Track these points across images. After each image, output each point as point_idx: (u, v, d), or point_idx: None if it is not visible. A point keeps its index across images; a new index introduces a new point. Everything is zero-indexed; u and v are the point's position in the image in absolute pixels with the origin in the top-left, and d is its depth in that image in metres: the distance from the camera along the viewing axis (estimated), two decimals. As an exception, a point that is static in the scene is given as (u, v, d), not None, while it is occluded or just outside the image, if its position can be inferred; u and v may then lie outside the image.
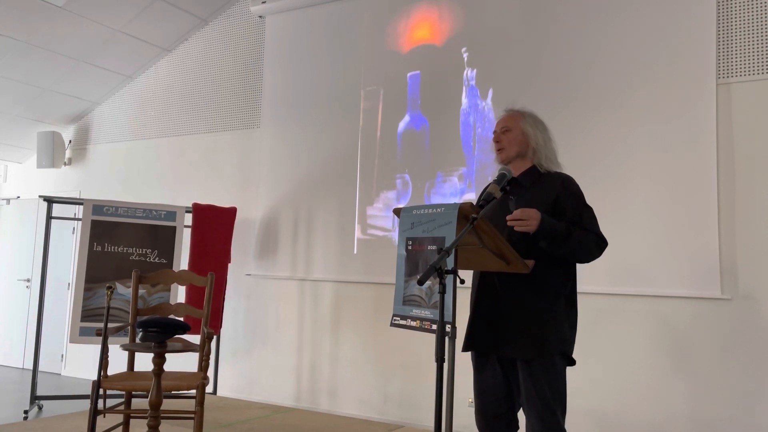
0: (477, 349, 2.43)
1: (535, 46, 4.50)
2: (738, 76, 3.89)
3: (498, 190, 2.30)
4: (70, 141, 6.97)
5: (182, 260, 5.19)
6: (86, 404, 5.08)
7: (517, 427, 2.43)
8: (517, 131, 2.48)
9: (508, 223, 2.23)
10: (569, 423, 4.07)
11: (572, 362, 2.37)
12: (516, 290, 2.34)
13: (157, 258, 5.02)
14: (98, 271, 4.87)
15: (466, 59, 4.78)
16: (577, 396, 4.09)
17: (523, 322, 2.31)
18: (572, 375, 4.08)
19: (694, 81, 3.96)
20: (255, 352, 5.50)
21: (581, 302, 4.10)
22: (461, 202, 2.35)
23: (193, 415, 3.26)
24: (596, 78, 4.26)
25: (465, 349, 2.45)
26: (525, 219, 2.20)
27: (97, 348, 5.90)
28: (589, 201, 2.43)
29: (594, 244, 2.34)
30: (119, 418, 4.32)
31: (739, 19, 3.92)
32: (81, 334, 4.77)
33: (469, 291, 2.53)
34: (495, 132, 2.55)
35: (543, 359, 2.28)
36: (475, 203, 2.29)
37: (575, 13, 4.38)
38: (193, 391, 3.26)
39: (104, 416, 4.40)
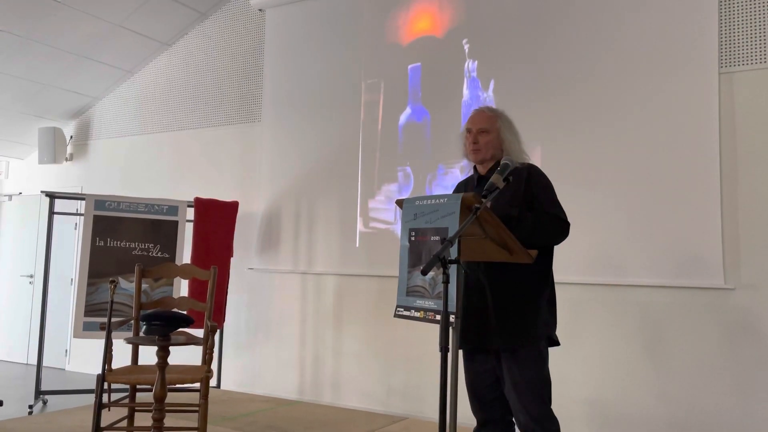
0: (468, 346, 2.47)
1: (536, 36, 4.48)
2: (741, 65, 3.88)
3: (501, 180, 2.29)
4: (71, 136, 6.96)
5: (185, 255, 5.20)
6: (91, 398, 5.08)
7: (511, 410, 2.46)
8: (494, 134, 2.54)
9: None
10: (577, 415, 4.08)
11: (554, 343, 2.46)
12: (498, 282, 2.39)
13: (160, 252, 5.03)
14: (101, 266, 4.88)
15: (467, 51, 4.76)
16: (578, 385, 4.10)
17: (507, 312, 2.37)
18: (575, 366, 4.10)
19: (697, 70, 3.94)
20: (258, 345, 5.51)
21: (586, 294, 4.12)
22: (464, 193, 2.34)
23: (197, 408, 3.27)
24: (597, 68, 4.24)
25: (459, 347, 2.46)
26: None
27: (100, 342, 5.90)
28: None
29: (551, 225, 2.42)
30: (124, 411, 4.33)
31: (742, 7, 3.90)
32: (85, 329, 4.79)
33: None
34: (470, 130, 2.57)
35: (529, 347, 2.36)
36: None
37: (576, 3, 4.36)
38: (197, 385, 3.26)
39: (109, 410, 4.40)
